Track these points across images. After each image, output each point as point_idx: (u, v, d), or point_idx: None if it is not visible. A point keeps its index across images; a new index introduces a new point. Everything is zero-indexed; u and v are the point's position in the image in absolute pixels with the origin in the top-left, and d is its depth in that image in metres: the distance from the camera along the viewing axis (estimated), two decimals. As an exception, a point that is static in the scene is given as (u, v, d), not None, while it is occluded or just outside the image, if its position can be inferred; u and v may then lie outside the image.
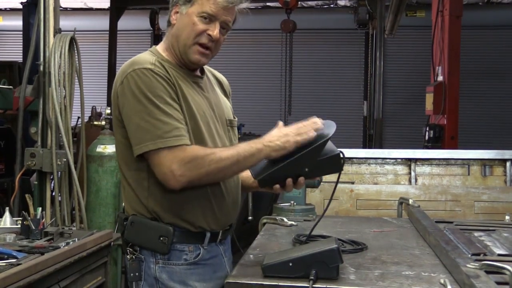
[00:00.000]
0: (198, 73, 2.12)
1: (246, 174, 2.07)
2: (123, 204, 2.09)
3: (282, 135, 1.86)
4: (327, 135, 1.85)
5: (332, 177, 2.06)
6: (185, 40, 1.99)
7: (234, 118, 2.22)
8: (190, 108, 1.96)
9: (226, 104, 2.22)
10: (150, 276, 1.97)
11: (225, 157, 1.86)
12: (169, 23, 2.07)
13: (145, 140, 1.87)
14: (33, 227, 2.84)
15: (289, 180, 1.88)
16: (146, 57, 2.00)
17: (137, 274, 1.98)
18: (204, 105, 2.04)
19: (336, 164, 1.89)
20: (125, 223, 2.01)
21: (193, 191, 1.94)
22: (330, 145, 1.89)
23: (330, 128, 1.90)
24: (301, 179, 1.88)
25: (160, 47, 2.09)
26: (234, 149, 1.90)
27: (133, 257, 1.98)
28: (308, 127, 1.87)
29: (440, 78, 6.80)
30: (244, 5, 2.04)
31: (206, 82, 2.14)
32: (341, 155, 1.88)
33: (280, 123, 1.93)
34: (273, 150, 1.85)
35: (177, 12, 2.03)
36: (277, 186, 1.90)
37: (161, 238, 1.94)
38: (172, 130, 1.87)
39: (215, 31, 1.97)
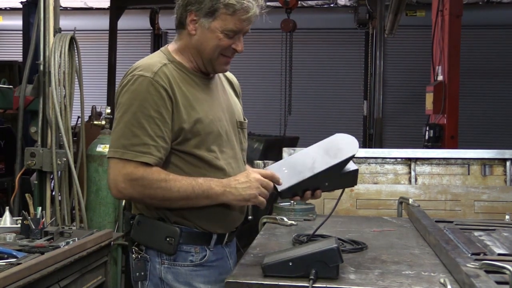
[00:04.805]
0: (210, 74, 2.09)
1: None
2: (123, 203, 2.09)
3: (247, 187, 1.89)
4: (352, 152, 1.89)
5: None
6: (210, 54, 1.96)
7: (244, 120, 2.20)
8: (197, 114, 1.94)
9: (237, 105, 2.20)
10: (155, 276, 1.97)
11: (176, 190, 1.86)
12: (182, 25, 1.98)
13: (111, 146, 1.91)
14: (33, 227, 2.84)
15: (308, 193, 1.93)
16: (153, 61, 1.96)
17: (142, 273, 1.97)
18: (214, 108, 2.01)
19: (352, 179, 1.95)
20: (131, 222, 2.00)
21: None
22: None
23: (352, 144, 1.94)
24: (319, 191, 1.93)
25: (172, 48, 2.04)
26: (191, 184, 1.88)
27: (139, 256, 1.98)
28: (266, 189, 1.89)
29: (440, 77, 6.80)
30: (263, 4, 2.04)
31: (217, 83, 2.11)
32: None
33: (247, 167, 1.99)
34: (236, 200, 1.90)
35: (194, 21, 1.94)
36: (297, 197, 1.94)
37: (168, 239, 1.94)
38: (139, 145, 1.86)
39: (239, 45, 1.97)
